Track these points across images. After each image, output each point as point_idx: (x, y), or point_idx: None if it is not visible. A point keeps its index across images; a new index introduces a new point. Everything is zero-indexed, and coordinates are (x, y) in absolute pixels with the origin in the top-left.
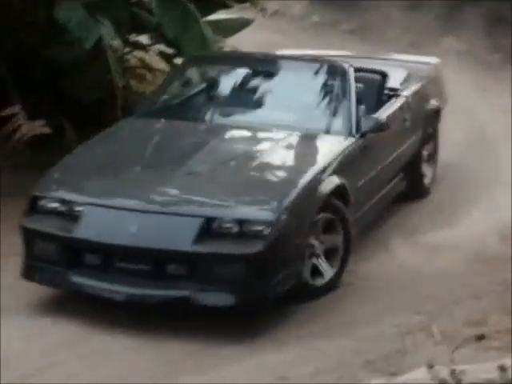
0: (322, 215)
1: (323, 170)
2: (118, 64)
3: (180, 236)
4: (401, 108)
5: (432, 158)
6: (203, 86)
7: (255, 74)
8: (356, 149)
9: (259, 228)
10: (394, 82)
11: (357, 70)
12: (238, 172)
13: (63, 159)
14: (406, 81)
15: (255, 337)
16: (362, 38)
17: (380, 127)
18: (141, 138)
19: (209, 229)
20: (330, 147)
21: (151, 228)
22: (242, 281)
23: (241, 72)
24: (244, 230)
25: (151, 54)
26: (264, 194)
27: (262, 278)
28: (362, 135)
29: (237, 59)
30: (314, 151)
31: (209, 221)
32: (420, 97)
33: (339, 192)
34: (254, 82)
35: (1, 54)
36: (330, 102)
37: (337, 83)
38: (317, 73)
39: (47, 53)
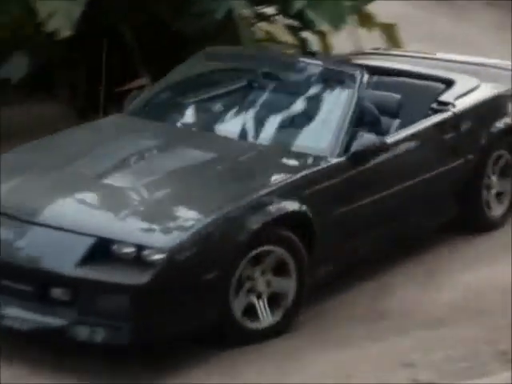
0: (267, 248)
1: (270, 195)
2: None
3: (65, 256)
4: (438, 126)
5: (505, 185)
6: (199, 86)
7: (254, 76)
8: (339, 171)
9: (155, 256)
10: (451, 94)
11: (418, 76)
12: (163, 189)
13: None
14: (470, 93)
15: (378, 321)
16: (500, 8)
17: (375, 149)
18: (102, 139)
19: (102, 251)
20: (297, 167)
21: (37, 243)
22: (126, 316)
23: (240, 74)
24: (141, 257)
25: (277, 26)
26: (175, 218)
27: (152, 315)
28: (354, 156)
29: (242, 59)
30: (271, 170)
31: (102, 242)
32: (483, 114)
33: (297, 222)
34: (246, 86)
35: (130, 26)
36: (319, 115)
37: (336, 93)
38: (317, 78)
39: (177, 25)
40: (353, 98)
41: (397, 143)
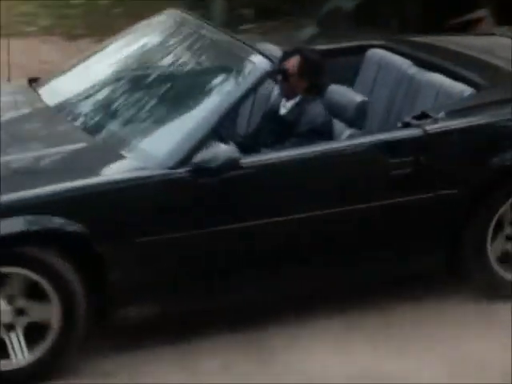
0: (12, 269)
1: (16, 204)
2: None
3: None
4: (383, 146)
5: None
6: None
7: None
8: (163, 188)
9: None
10: (449, 105)
11: (450, 73)
12: None
13: None
14: (484, 107)
15: None
16: None
17: (222, 166)
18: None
19: None
20: (97, 175)
21: None
22: None
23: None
24: None
25: None
26: None
27: None
28: (194, 171)
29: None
30: (58, 174)
31: None
32: (483, 141)
33: (62, 241)
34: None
35: None
36: (182, 111)
37: (216, 85)
38: (215, 64)
39: None
40: (229, 96)
41: (273, 162)
